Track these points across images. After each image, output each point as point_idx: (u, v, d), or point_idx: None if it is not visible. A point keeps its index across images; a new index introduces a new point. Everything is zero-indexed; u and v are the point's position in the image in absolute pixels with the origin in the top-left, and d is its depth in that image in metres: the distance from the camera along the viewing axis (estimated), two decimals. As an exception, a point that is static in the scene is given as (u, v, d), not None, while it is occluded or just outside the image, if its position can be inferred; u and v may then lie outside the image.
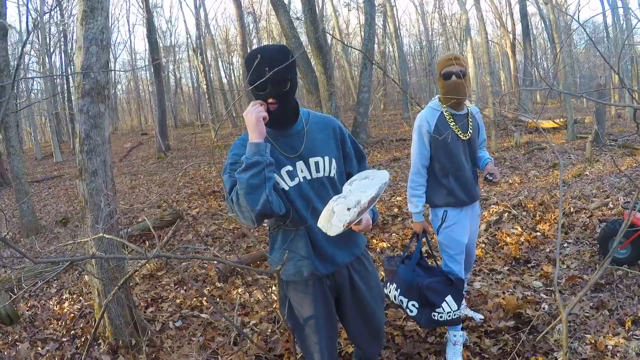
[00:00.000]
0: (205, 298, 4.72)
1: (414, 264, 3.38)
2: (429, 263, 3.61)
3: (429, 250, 3.69)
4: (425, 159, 3.35)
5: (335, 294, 2.47)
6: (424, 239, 3.50)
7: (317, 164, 2.29)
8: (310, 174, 2.28)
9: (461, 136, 3.31)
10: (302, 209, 2.25)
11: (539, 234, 5.76)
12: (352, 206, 1.92)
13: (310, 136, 2.30)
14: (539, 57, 38.95)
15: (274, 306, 4.40)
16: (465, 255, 3.52)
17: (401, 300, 3.31)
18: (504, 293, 4.27)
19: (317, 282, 2.36)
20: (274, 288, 4.81)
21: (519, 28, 26.14)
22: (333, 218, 1.93)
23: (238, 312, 4.35)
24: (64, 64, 27.28)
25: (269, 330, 4.00)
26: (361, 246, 2.50)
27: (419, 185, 3.40)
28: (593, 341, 3.43)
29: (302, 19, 13.67)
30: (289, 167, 2.24)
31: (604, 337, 3.46)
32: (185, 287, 5.13)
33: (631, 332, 3.53)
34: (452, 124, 3.29)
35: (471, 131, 3.36)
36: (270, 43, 39.12)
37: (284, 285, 2.46)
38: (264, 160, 2.03)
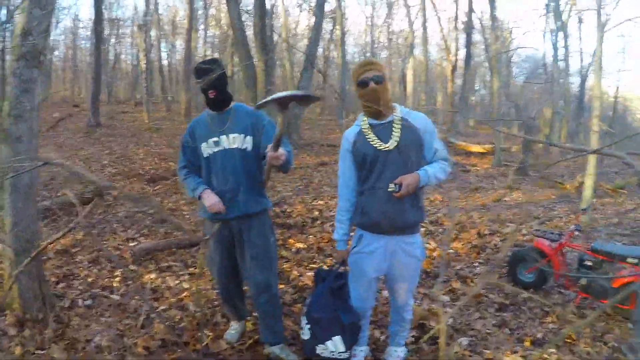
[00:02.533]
0: (117, 279, 4.66)
1: (327, 289, 3.12)
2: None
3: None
4: (349, 180, 3.08)
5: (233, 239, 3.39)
6: (341, 269, 3.23)
7: (234, 138, 3.28)
8: (229, 144, 3.28)
9: (378, 147, 2.91)
10: (220, 170, 3.29)
11: (452, 251, 5.99)
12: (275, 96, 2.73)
13: (234, 119, 3.31)
14: (476, 85, 40.36)
15: (184, 294, 4.40)
16: (393, 301, 3.28)
17: (303, 320, 3.14)
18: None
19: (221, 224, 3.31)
20: (186, 277, 4.80)
21: (462, 53, 27.00)
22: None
23: (149, 297, 4.32)
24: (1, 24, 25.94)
25: (177, 318, 4.00)
26: (250, 209, 3.32)
27: (343, 210, 3.14)
28: (491, 357, 3.61)
29: (252, 13, 13.63)
30: (215, 138, 3.29)
31: (502, 354, 3.65)
32: (98, 267, 5.03)
33: (529, 352, 3.73)
34: (368, 136, 2.95)
35: (396, 140, 2.89)
36: (217, 32, 38.74)
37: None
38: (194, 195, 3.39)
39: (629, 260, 4.37)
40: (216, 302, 4.27)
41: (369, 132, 2.96)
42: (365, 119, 3.02)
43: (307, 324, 3.08)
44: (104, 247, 5.43)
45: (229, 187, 3.27)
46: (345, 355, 3.02)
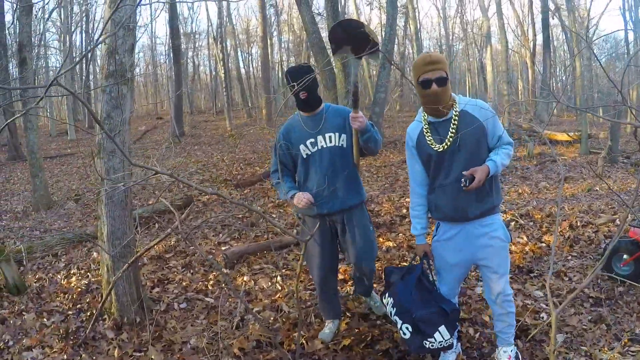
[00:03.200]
0: (211, 282, 4.81)
1: (412, 286, 3.13)
2: (431, 279, 3.29)
3: (430, 275, 3.29)
4: (418, 174, 3.11)
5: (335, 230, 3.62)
6: (425, 262, 3.27)
7: (330, 137, 3.46)
8: (326, 144, 3.46)
9: (434, 147, 2.92)
10: (319, 168, 3.47)
11: (544, 244, 5.78)
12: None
13: (327, 119, 3.48)
14: (558, 69, 38.73)
15: (277, 295, 4.48)
16: (489, 294, 3.22)
17: (396, 320, 3.14)
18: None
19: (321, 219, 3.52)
20: (278, 278, 4.89)
21: (540, 38, 26.01)
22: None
23: (242, 299, 4.43)
24: (84, 43, 27.42)
25: (272, 319, 4.08)
26: (349, 202, 3.53)
27: (416, 205, 3.17)
28: (589, 353, 3.47)
29: (324, 15, 13.71)
30: (312, 139, 3.47)
31: (599, 350, 3.50)
32: (191, 271, 5.22)
33: (627, 348, 3.56)
34: (427, 135, 2.96)
35: (450, 140, 2.87)
36: (291, 37, 39.28)
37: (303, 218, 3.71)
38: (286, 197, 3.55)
39: None
40: (309, 303, 4.32)
41: (428, 132, 2.96)
42: (426, 116, 2.99)
43: (404, 323, 3.08)
44: (200, 249, 5.63)
45: (330, 183, 3.44)
46: (451, 340, 3.05)
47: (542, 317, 4.03)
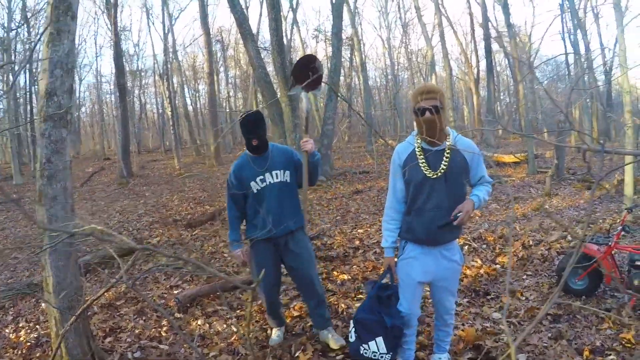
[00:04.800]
0: (164, 329, 4.63)
1: (371, 295, 3.37)
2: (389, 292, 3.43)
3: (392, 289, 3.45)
4: (399, 192, 3.26)
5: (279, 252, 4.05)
6: (387, 276, 3.43)
7: (276, 174, 3.96)
8: (273, 179, 3.96)
9: (428, 174, 3.08)
10: (270, 199, 3.94)
11: (498, 266, 5.84)
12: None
13: (273, 158, 3.99)
14: (501, 93, 40.01)
15: (233, 337, 4.34)
16: (439, 308, 3.44)
17: (351, 323, 3.39)
18: (463, 325, 4.31)
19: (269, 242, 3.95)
20: (233, 320, 4.75)
21: (483, 64, 26.86)
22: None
23: (197, 344, 4.28)
24: (28, 82, 26.69)
25: (228, 363, 3.95)
26: (293, 226, 4.01)
27: (391, 219, 3.32)
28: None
29: (270, 49, 13.79)
30: (261, 176, 3.92)
31: (563, 368, 3.52)
32: (144, 317, 5.02)
33: (589, 361, 3.60)
34: (421, 160, 3.11)
35: (444, 168, 3.06)
36: (237, 73, 39.40)
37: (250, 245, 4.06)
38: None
39: None
40: (265, 343, 4.21)
41: (421, 156, 3.11)
42: (419, 141, 3.15)
43: (353, 327, 3.32)
44: (149, 298, 5.43)
45: (275, 212, 3.92)
46: (388, 357, 3.19)
47: (502, 339, 4.03)
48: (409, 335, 3.39)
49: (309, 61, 4.17)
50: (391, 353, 3.20)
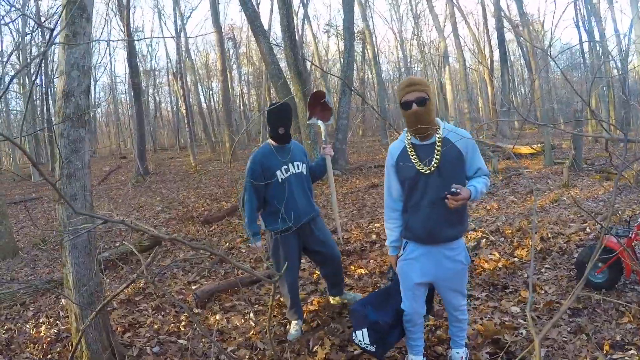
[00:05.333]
0: (183, 324, 4.67)
1: (382, 289, 3.54)
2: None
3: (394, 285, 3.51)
4: (394, 191, 3.22)
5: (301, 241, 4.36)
6: (390, 274, 3.57)
7: (297, 165, 4.28)
8: (295, 170, 4.26)
9: (420, 169, 3.01)
10: (293, 188, 4.22)
11: (516, 259, 5.80)
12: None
13: (293, 151, 4.32)
14: (516, 83, 39.65)
15: (251, 332, 4.37)
16: (447, 304, 3.42)
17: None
18: (482, 319, 4.28)
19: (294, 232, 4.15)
20: (251, 315, 4.78)
21: (496, 54, 26.65)
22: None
23: (216, 338, 4.31)
24: (44, 85, 26.99)
25: (247, 357, 3.97)
26: (314, 212, 4.43)
27: (390, 218, 3.31)
28: (573, 368, 3.45)
29: (282, 45, 13.80)
30: (285, 166, 4.20)
31: (583, 363, 3.49)
32: (162, 313, 5.07)
33: (609, 356, 3.57)
34: (412, 156, 3.05)
35: (437, 163, 2.98)
36: (250, 70, 39.46)
37: (274, 237, 4.27)
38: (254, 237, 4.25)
39: None
40: (283, 338, 4.23)
41: (412, 152, 3.06)
42: (409, 137, 3.10)
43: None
44: (168, 293, 5.47)
45: (300, 201, 4.23)
46: (372, 348, 3.25)
47: (522, 333, 4.01)
48: (415, 332, 3.41)
49: (320, 97, 4.73)
50: (375, 346, 3.25)
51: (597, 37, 21.02)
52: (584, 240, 6.18)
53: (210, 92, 42.39)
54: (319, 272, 5.67)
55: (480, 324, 4.12)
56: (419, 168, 3.01)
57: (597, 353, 3.62)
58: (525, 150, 15.70)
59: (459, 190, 2.83)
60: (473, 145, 3.07)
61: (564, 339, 3.88)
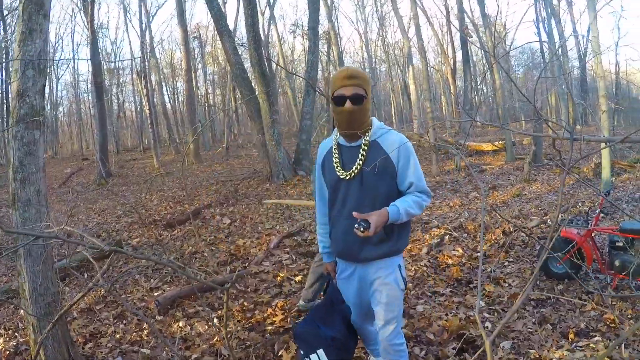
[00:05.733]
0: (145, 332, 4.57)
1: (319, 304, 3.03)
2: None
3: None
4: (324, 192, 2.84)
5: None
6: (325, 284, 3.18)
7: None
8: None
9: (340, 175, 2.61)
10: None
11: (479, 254, 5.86)
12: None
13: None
14: (478, 82, 40.22)
15: (215, 338, 4.30)
16: (380, 334, 2.82)
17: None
18: (447, 315, 4.31)
19: None
20: (215, 321, 4.70)
21: (459, 55, 26.97)
22: None
23: (179, 346, 4.22)
24: (3, 82, 26.06)
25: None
26: None
27: (321, 224, 2.94)
28: (537, 356, 3.51)
29: (246, 45, 13.72)
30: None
31: (548, 351, 3.56)
32: (124, 321, 4.95)
33: (574, 344, 3.65)
34: (335, 158, 2.66)
35: (358, 168, 2.57)
36: (215, 70, 39.10)
37: None
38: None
39: None
40: (248, 342, 4.16)
41: (336, 154, 2.67)
42: (337, 135, 2.71)
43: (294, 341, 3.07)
44: (128, 302, 5.35)
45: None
46: None
47: (487, 327, 4.05)
48: (369, 336, 3.13)
49: None
50: None
51: (556, 37, 21.45)
52: (545, 233, 6.29)
53: (175, 91, 41.91)
54: (282, 275, 5.63)
55: (446, 320, 4.15)
56: (339, 173, 2.62)
57: (562, 342, 3.68)
58: (487, 147, 15.97)
59: (364, 225, 2.38)
60: (408, 154, 2.58)
61: (530, 329, 3.95)
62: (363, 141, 2.58)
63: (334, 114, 2.61)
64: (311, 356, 2.79)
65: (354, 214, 2.42)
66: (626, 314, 4.03)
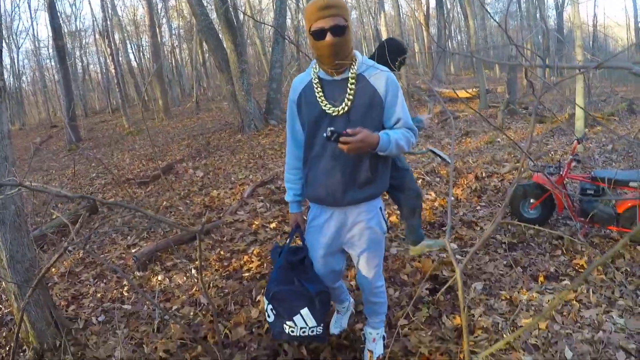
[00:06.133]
0: (125, 289, 4.61)
1: (280, 264, 2.74)
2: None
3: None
4: (298, 134, 2.63)
5: None
6: (296, 235, 2.90)
7: None
8: None
9: (327, 110, 2.40)
10: None
11: (452, 198, 5.97)
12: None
13: None
14: (452, 29, 40.02)
15: (194, 289, 4.35)
16: (359, 280, 2.84)
17: (265, 301, 2.75)
18: (420, 256, 4.41)
19: None
20: (193, 272, 4.75)
21: (433, 1, 26.75)
22: None
23: (159, 299, 4.27)
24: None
25: (192, 314, 3.96)
26: None
27: (292, 167, 2.73)
28: (508, 297, 3.64)
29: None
30: None
31: (518, 292, 3.69)
32: (104, 280, 4.98)
33: (544, 287, 3.78)
34: (318, 93, 2.43)
35: (347, 105, 2.37)
36: (181, 24, 38.14)
37: None
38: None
39: (631, 184, 4.40)
40: (226, 290, 4.22)
41: (319, 88, 2.43)
42: (317, 69, 2.47)
43: (268, 304, 2.69)
44: (105, 260, 5.36)
45: None
46: (319, 330, 2.62)
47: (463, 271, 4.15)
48: (337, 289, 3.04)
49: None
50: (321, 325, 2.64)
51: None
52: (519, 181, 6.42)
53: (141, 49, 40.92)
54: (257, 223, 5.67)
55: (419, 262, 4.25)
56: (324, 108, 2.40)
57: (532, 284, 3.81)
58: (461, 94, 16.00)
59: (334, 134, 2.18)
60: (396, 88, 2.42)
61: (501, 272, 4.08)
62: (350, 74, 2.38)
63: (314, 50, 2.37)
64: (294, 318, 2.60)
65: (349, 131, 2.22)
66: (595, 260, 4.17)
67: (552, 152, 8.09)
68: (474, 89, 15.70)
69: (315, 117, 2.44)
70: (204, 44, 21.55)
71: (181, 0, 34.79)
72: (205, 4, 13.48)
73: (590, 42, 29.39)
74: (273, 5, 17.62)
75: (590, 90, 13.34)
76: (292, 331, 2.61)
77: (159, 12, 35.77)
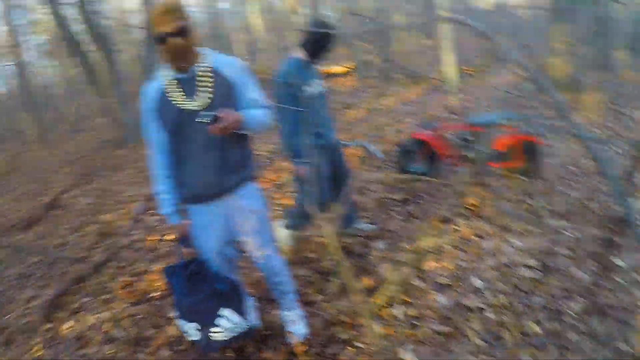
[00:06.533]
0: (35, 349, 4.20)
1: (179, 281, 2.67)
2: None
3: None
4: (162, 142, 2.59)
5: None
6: (184, 247, 2.76)
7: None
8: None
9: (190, 106, 2.45)
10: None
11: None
12: None
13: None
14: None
15: (104, 325, 4.08)
16: (261, 267, 2.88)
17: (180, 325, 2.70)
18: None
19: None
20: (102, 307, 4.45)
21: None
22: None
23: (75, 346, 3.82)
24: None
25: (111, 351, 3.63)
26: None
27: (162, 178, 2.67)
28: (410, 248, 3.82)
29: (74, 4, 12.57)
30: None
31: (420, 241, 3.86)
32: (12, 346, 4.42)
33: (441, 230, 4.02)
34: (178, 92, 2.48)
35: (211, 96, 2.46)
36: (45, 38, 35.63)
37: None
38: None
39: (502, 122, 4.81)
40: (140, 315, 3.96)
41: (174, 88, 2.49)
42: (169, 71, 2.51)
43: (186, 323, 2.64)
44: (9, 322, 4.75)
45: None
46: (245, 323, 2.68)
47: (361, 236, 4.23)
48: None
49: None
50: (247, 317, 2.71)
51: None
52: (403, 139, 6.67)
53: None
54: (153, 238, 5.43)
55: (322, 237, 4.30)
56: (187, 105, 2.45)
57: (430, 231, 4.01)
58: (336, 69, 16.22)
59: (211, 117, 2.31)
60: (246, 75, 2.58)
61: (400, 226, 4.30)
62: (199, 69, 2.47)
63: (162, 55, 2.43)
64: (220, 322, 2.59)
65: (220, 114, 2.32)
66: (484, 197, 4.47)
67: (432, 111, 8.47)
68: (350, 63, 15.98)
69: (178, 116, 2.47)
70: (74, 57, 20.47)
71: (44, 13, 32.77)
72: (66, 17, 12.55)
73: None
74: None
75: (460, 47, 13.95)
76: (222, 336, 2.60)
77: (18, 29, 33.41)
